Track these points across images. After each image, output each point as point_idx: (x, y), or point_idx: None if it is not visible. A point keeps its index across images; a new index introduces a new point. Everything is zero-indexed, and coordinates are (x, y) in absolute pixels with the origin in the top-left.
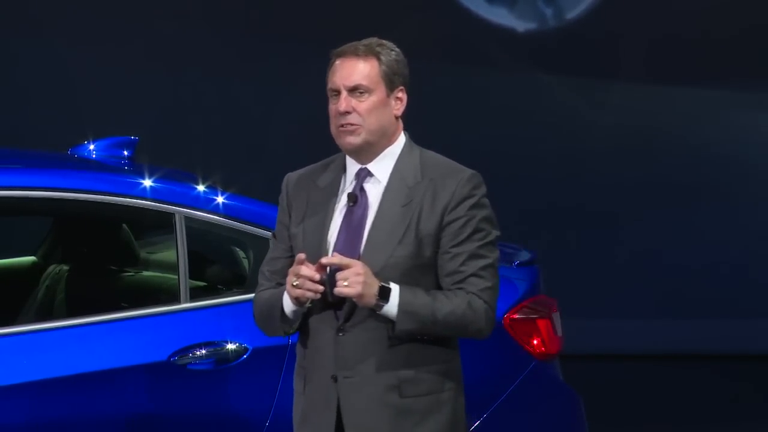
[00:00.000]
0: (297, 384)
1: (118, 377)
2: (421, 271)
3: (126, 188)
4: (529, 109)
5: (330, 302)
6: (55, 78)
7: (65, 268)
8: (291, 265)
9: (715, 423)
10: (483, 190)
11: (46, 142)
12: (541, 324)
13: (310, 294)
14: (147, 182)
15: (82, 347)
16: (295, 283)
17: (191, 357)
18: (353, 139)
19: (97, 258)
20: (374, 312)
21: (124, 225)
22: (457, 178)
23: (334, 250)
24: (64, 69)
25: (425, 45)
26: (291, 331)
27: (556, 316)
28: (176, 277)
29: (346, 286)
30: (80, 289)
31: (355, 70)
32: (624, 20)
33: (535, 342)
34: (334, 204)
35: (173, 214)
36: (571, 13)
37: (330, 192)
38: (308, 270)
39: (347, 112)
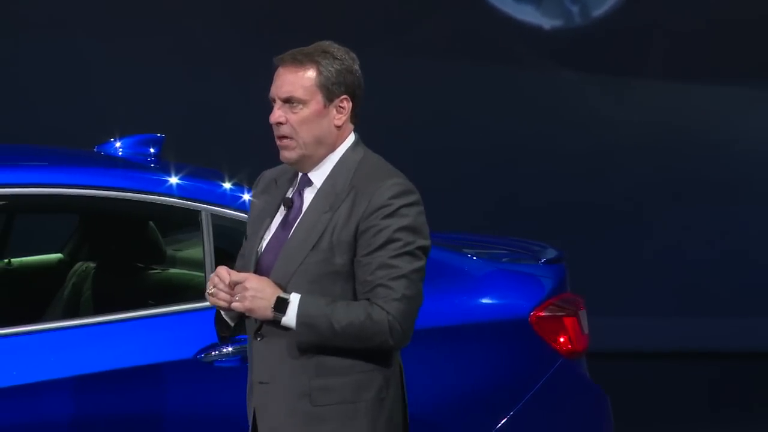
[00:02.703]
0: None
1: (145, 374)
2: (333, 278)
3: (152, 186)
4: (555, 107)
5: None
6: (80, 76)
7: (92, 265)
8: None
9: (742, 420)
10: (405, 199)
11: (72, 140)
12: (568, 321)
13: (222, 303)
14: (173, 180)
15: (109, 344)
16: (209, 292)
17: (218, 354)
18: (288, 154)
19: (123, 255)
20: None
21: (151, 222)
22: (376, 186)
23: (261, 255)
24: (90, 67)
25: (451, 42)
26: (228, 334)
27: (583, 314)
28: (202, 274)
29: (237, 301)
30: (107, 286)
31: (289, 81)
32: (650, 17)
33: (561, 339)
34: (277, 208)
35: (199, 211)
36: (597, 11)
37: (278, 195)
38: (218, 281)
39: (280, 123)
